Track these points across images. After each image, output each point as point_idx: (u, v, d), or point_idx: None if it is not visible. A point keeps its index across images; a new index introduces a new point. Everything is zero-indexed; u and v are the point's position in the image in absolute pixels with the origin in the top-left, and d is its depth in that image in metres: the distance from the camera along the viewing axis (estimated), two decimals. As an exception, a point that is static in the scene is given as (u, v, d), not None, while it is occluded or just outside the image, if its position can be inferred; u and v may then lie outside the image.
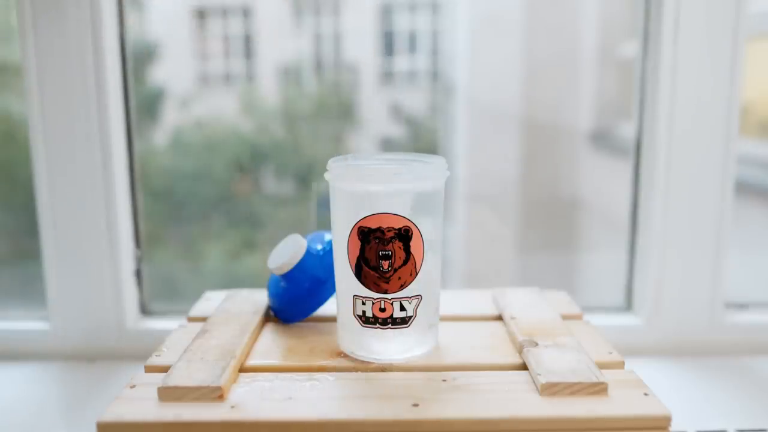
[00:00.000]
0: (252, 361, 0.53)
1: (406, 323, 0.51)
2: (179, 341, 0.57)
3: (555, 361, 0.50)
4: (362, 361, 0.52)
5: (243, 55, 3.31)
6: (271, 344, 0.57)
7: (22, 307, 0.86)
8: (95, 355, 0.81)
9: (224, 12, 3.32)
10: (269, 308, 0.63)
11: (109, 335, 0.81)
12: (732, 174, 0.79)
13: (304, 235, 0.62)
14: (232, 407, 0.45)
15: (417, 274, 0.50)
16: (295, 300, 0.60)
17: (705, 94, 0.77)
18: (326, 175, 0.52)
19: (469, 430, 0.44)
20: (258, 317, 0.60)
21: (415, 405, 0.45)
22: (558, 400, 0.46)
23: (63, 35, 0.75)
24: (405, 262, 0.50)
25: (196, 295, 0.70)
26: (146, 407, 0.45)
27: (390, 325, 0.51)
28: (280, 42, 3.24)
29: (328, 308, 0.61)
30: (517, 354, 0.53)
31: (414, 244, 0.49)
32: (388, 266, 0.49)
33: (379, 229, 0.49)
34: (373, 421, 0.44)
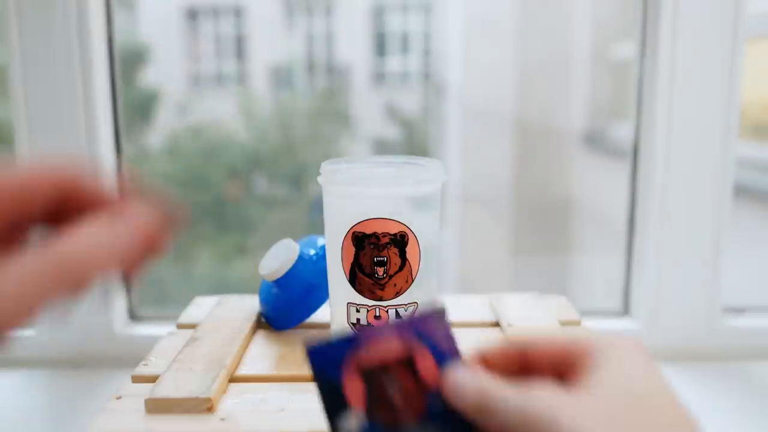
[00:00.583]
0: (243, 371, 0.51)
1: None
2: (168, 349, 0.55)
3: (554, 370, 0.48)
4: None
5: (234, 55, 3.29)
6: (263, 352, 0.55)
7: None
8: (82, 362, 0.79)
9: (215, 12, 3.30)
10: (261, 315, 0.62)
11: (96, 341, 0.79)
12: (730, 177, 0.78)
13: (296, 239, 0.61)
14: (222, 420, 0.44)
15: (413, 280, 0.48)
16: (288, 306, 0.58)
17: (703, 97, 0.77)
18: (319, 179, 0.51)
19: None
20: (249, 324, 0.59)
21: (412, 416, 0.44)
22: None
23: (49, 36, 0.74)
24: (400, 269, 0.48)
25: (187, 300, 0.69)
26: (133, 420, 0.44)
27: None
28: (272, 42, 3.23)
29: (320, 315, 0.60)
30: (515, 362, 0.52)
31: (410, 250, 0.48)
32: (383, 273, 0.48)
33: (374, 234, 0.47)
34: (368, 433, 0.42)
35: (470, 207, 2.02)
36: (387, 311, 0.49)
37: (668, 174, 0.78)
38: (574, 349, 0.30)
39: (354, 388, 0.31)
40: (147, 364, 0.52)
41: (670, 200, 0.78)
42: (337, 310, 0.51)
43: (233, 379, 0.50)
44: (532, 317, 0.60)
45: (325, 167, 0.51)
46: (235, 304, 0.64)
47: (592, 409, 0.27)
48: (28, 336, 0.80)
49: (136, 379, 0.50)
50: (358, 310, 0.49)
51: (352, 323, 0.50)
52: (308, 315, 0.59)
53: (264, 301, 0.61)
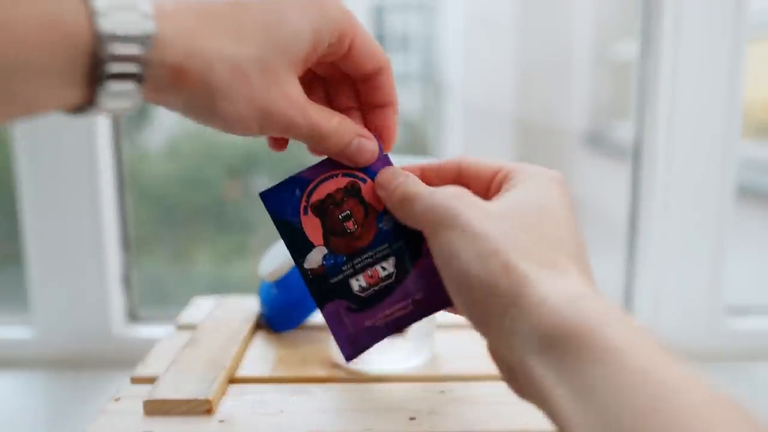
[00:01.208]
0: (242, 372, 0.51)
1: (402, 331, 0.49)
2: (167, 350, 0.55)
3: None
4: (356, 372, 0.50)
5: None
6: (262, 354, 0.55)
7: (3, 313, 0.84)
8: (80, 363, 0.79)
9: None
10: (260, 316, 0.61)
11: (94, 342, 0.79)
12: (732, 178, 0.78)
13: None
14: (221, 421, 0.43)
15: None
16: (288, 308, 0.58)
17: (705, 97, 0.76)
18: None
19: (469, 445, 0.42)
20: (248, 325, 0.58)
21: (412, 419, 0.43)
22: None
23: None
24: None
25: (186, 300, 0.68)
26: (131, 422, 0.43)
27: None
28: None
29: (319, 316, 0.59)
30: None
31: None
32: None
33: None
34: (369, 435, 0.42)
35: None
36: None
37: (670, 174, 0.78)
38: (501, 171, 0.33)
39: (312, 226, 0.35)
40: (146, 365, 0.52)
41: (671, 201, 0.78)
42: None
43: (232, 380, 0.50)
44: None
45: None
46: (235, 304, 0.64)
47: (493, 211, 0.30)
48: (24, 336, 0.79)
49: (135, 380, 0.50)
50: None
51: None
52: (308, 316, 0.58)
53: (264, 302, 0.60)
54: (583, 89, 1.70)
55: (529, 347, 0.26)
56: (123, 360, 0.77)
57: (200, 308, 0.65)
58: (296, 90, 0.31)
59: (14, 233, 0.78)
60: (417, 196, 0.32)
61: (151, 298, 0.90)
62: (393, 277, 0.35)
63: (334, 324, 0.35)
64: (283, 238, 0.35)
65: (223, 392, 0.47)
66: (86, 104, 0.27)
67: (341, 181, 0.36)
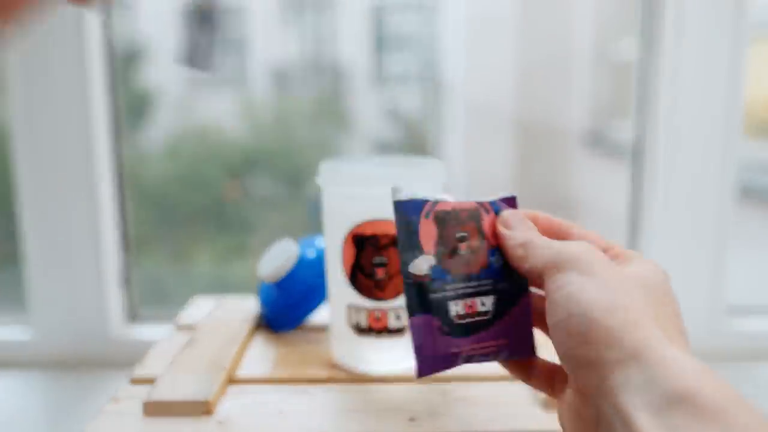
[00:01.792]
0: (241, 373, 0.51)
1: (402, 332, 0.49)
2: (166, 351, 0.55)
3: (556, 372, 0.48)
4: (356, 372, 0.50)
5: (234, 55, 3.29)
6: (262, 354, 0.54)
7: (2, 314, 0.83)
8: (79, 364, 0.79)
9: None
10: (260, 316, 0.61)
11: (93, 343, 0.79)
12: (733, 178, 0.78)
13: (295, 239, 0.60)
14: (220, 422, 0.43)
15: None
16: (287, 308, 0.58)
17: (706, 97, 0.76)
18: (318, 180, 0.50)
19: (469, 446, 0.42)
20: (248, 325, 0.58)
21: (412, 419, 0.43)
22: (561, 413, 0.44)
23: (46, 35, 0.73)
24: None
25: (185, 300, 0.68)
26: (130, 423, 0.43)
27: (385, 335, 0.49)
28: (271, 42, 3.22)
29: (319, 316, 0.59)
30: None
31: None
32: (384, 274, 0.47)
33: (373, 236, 0.47)
34: (369, 436, 0.42)
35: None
36: (387, 313, 0.48)
37: (670, 174, 0.77)
38: (608, 248, 0.35)
39: (428, 232, 0.35)
40: (145, 366, 0.52)
41: (672, 200, 0.78)
42: (337, 311, 0.50)
43: (232, 381, 0.49)
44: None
45: (324, 168, 0.50)
46: (234, 305, 0.64)
47: (624, 272, 0.32)
48: (22, 337, 0.79)
49: (134, 381, 0.50)
50: (358, 312, 0.49)
51: (352, 325, 0.49)
52: (307, 316, 0.58)
53: (263, 302, 0.60)
54: (583, 89, 1.70)
55: (641, 403, 0.26)
56: (122, 360, 0.77)
57: (200, 308, 0.65)
58: None
59: (13, 233, 0.78)
60: (543, 241, 0.34)
61: (150, 298, 0.90)
62: (489, 315, 0.35)
63: (419, 337, 0.34)
64: (397, 233, 0.35)
65: (222, 393, 0.47)
66: None
67: (469, 204, 0.36)
